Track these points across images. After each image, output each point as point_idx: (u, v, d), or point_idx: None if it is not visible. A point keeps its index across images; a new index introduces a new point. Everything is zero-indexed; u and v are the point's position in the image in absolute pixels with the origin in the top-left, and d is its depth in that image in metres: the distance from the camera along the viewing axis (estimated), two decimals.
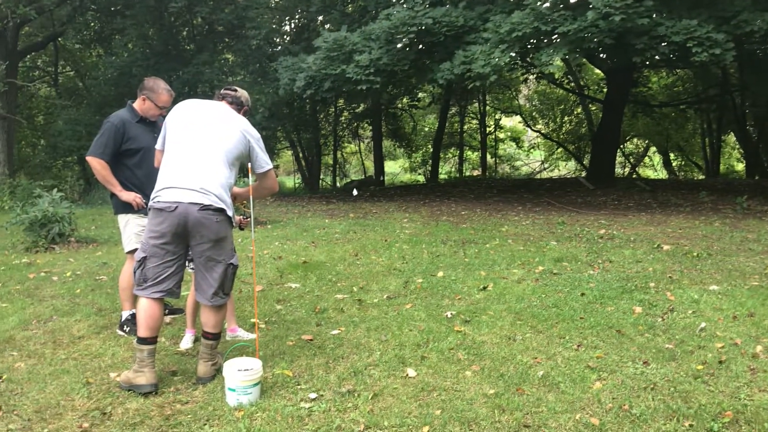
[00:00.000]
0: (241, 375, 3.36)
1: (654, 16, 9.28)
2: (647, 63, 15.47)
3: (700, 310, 4.86)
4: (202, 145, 3.56)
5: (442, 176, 25.84)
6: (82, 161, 19.51)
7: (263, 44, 17.58)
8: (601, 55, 11.99)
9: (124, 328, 4.62)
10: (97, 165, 4.50)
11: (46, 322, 4.95)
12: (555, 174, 28.36)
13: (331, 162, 26.96)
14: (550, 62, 9.55)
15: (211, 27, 19.49)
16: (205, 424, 3.16)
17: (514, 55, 10.45)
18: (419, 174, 28.47)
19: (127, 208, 4.61)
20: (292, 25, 21.35)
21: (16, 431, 3.13)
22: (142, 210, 4.52)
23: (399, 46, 11.39)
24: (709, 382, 3.53)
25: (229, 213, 3.61)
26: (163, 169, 3.59)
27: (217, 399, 3.44)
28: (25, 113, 20.32)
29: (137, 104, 4.66)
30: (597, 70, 21.79)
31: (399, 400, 3.38)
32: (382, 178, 23.09)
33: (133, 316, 4.63)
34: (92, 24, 19.82)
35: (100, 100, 18.58)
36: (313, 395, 3.44)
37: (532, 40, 10.44)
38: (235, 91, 3.92)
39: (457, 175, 26.90)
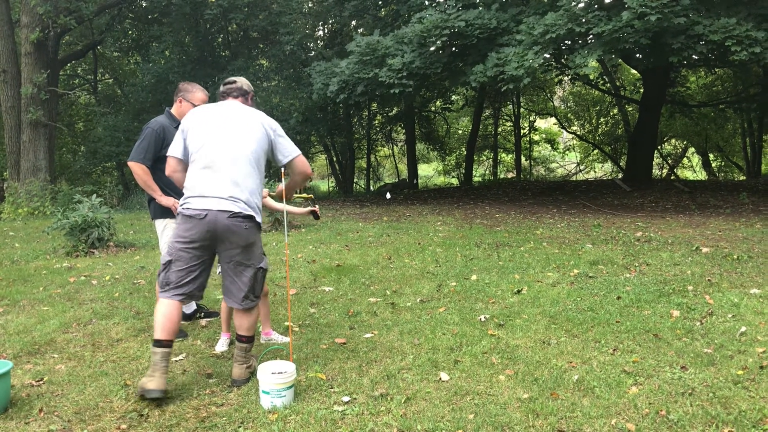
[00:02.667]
0: (275, 378, 3.38)
1: (691, 15, 9.11)
2: (684, 63, 15.22)
3: (740, 314, 4.75)
4: (228, 150, 3.57)
5: (476, 179, 25.73)
6: (121, 167, 19.94)
7: (297, 50, 17.74)
8: (637, 56, 11.79)
9: None
10: (139, 170, 4.58)
11: (86, 325, 5.05)
12: (591, 176, 28.03)
13: (364, 166, 27.04)
14: (585, 64, 9.44)
15: (245, 33, 19.74)
16: (240, 427, 3.19)
17: (548, 56, 10.38)
18: (453, 177, 28.39)
19: (165, 213, 4.69)
20: (325, 30, 21.49)
21: None
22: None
23: (432, 49, 11.38)
24: (750, 387, 3.45)
25: (258, 219, 3.64)
26: (191, 177, 3.60)
27: (251, 402, 3.47)
28: (66, 120, 20.78)
29: (174, 109, 4.74)
30: (633, 71, 21.50)
31: (432, 404, 3.37)
32: (415, 182, 23.07)
33: None
34: (130, 32, 20.22)
35: (138, 106, 18.94)
36: (346, 398, 3.45)
37: (566, 42, 10.34)
38: (234, 82, 3.89)
39: (491, 177, 26.75)
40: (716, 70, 19.99)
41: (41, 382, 3.84)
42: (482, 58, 10.97)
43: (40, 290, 6.23)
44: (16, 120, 16.14)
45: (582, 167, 29.69)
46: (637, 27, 8.80)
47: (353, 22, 19.20)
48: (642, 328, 4.49)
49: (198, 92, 4.72)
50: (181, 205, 3.57)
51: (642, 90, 19.05)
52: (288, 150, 3.79)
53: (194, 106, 4.67)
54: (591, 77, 18.97)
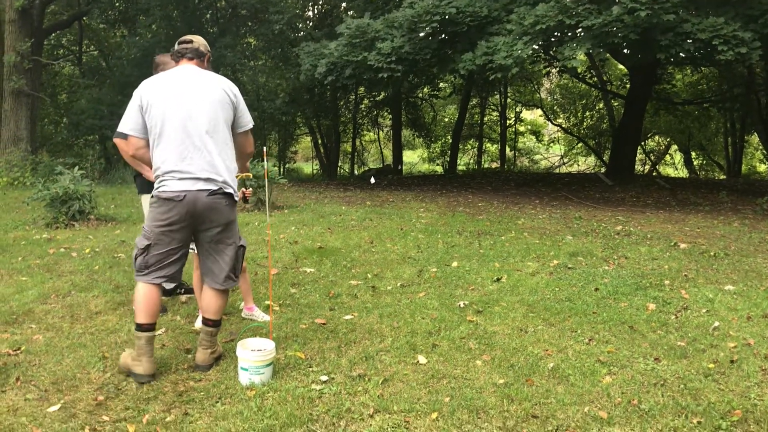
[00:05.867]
0: (254, 355, 3.40)
1: (680, 12, 9.16)
2: (672, 60, 15.31)
3: (714, 309, 4.84)
4: (194, 123, 3.38)
5: (460, 167, 25.79)
6: (104, 140, 19.70)
7: (286, 29, 17.60)
8: (625, 51, 11.86)
9: None
10: (123, 143, 4.52)
11: (65, 296, 5.03)
12: (574, 169, 28.20)
13: (349, 150, 26.99)
14: (573, 56, 9.48)
15: (234, 10, 19.55)
16: (218, 402, 3.21)
17: (537, 47, 10.40)
18: (437, 165, 28.42)
19: (150, 187, 4.65)
20: (315, 11, 21.34)
21: (33, 401, 3.19)
22: None
23: (422, 35, 11.35)
24: (720, 380, 3.53)
25: (236, 196, 3.54)
26: (160, 155, 3.40)
27: (229, 378, 3.49)
28: (49, 91, 20.49)
29: None
30: (620, 66, 21.59)
31: (409, 386, 3.41)
32: (400, 168, 23.09)
33: None
34: (117, 4, 19.93)
35: (123, 80, 18.69)
36: (324, 378, 3.48)
37: (555, 33, 10.36)
38: (191, 42, 3.61)
39: (476, 167, 26.82)
40: (702, 69, 20.13)
41: (18, 352, 3.83)
42: (472, 46, 10.96)
43: (19, 260, 6.19)
44: None
45: (565, 160, 29.85)
46: (626, 22, 8.84)
47: (344, 4, 19.10)
48: (618, 319, 4.56)
49: (203, 48, 4.64)
50: (157, 188, 3.42)
51: (628, 85, 19.18)
52: (246, 120, 3.63)
53: None
54: (579, 70, 19.01)
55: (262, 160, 4.02)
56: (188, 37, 3.69)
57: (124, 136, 4.43)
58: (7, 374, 3.49)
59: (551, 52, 12.50)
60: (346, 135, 25.99)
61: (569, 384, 3.46)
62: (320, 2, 20.56)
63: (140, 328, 3.45)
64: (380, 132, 29.14)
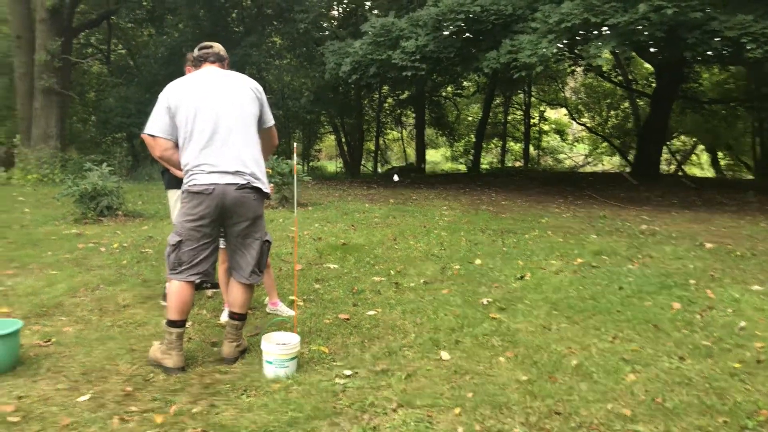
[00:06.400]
0: (279, 348, 3.45)
1: (707, 10, 9.04)
2: (699, 59, 15.12)
3: (740, 309, 4.79)
4: (225, 119, 3.46)
5: (483, 166, 25.71)
6: (131, 138, 19.97)
7: (311, 28, 17.68)
8: (651, 49, 11.74)
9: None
10: (152, 141, 4.58)
11: (94, 290, 5.13)
12: (598, 169, 27.96)
13: (372, 148, 27.04)
14: (599, 54, 9.42)
15: (259, 10, 19.68)
16: (243, 394, 3.26)
17: (561, 45, 10.33)
18: (461, 163, 28.35)
19: (178, 183, 4.71)
20: (340, 10, 21.40)
21: (63, 391, 3.27)
22: None
23: (446, 33, 11.35)
24: (746, 380, 3.49)
25: (265, 189, 3.59)
26: (191, 152, 3.46)
27: (255, 371, 3.53)
28: (78, 90, 20.79)
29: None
30: (646, 65, 21.35)
31: (432, 381, 3.43)
32: (423, 166, 23.08)
33: None
34: (145, 3, 20.17)
35: (151, 78, 18.93)
36: (347, 372, 3.51)
37: (580, 32, 10.30)
38: (211, 47, 3.74)
39: (499, 165, 26.72)
40: (730, 67, 19.84)
41: (49, 343, 3.91)
42: (496, 44, 10.93)
43: (49, 255, 6.31)
44: (29, 86, 16.18)
45: (590, 159, 29.62)
46: (653, 20, 8.76)
47: (368, 3, 19.14)
48: (642, 318, 4.53)
49: (223, 53, 4.71)
50: (187, 183, 3.47)
51: (654, 84, 18.97)
52: (269, 115, 3.77)
53: None
54: (604, 69, 18.88)
55: (287, 158, 4.07)
56: (207, 43, 3.82)
57: (153, 136, 4.49)
58: (39, 365, 3.57)
59: (576, 51, 12.42)
60: (370, 133, 26.04)
61: (593, 381, 3.45)
62: (345, 1, 20.61)
63: (172, 324, 3.52)
64: (403, 131, 29.14)
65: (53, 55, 15.57)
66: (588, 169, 28.19)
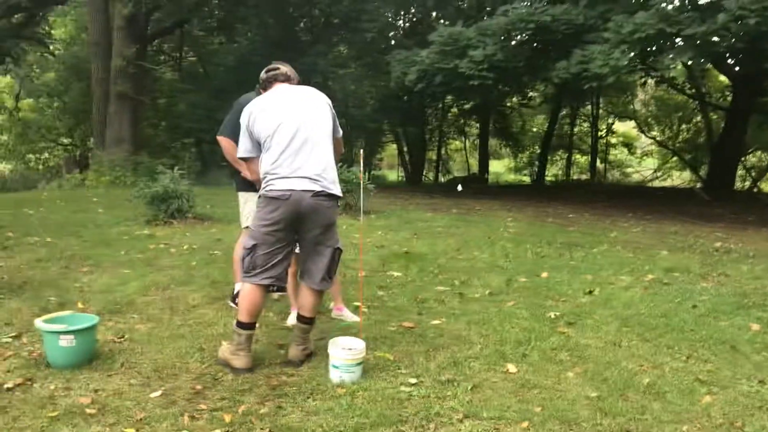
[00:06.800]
0: (345, 353, 3.45)
1: None
2: None
3: None
4: (305, 129, 3.55)
5: (548, 179, 25.33)
6: (200, 143, 20.46)
7: (378, 37, 17.80)
8: (729, 61, 11.35)
9: (236, 301, 4.83)
10: (227, 144, 4.66)
11: (164, 289, 5.26)
12: (667, 183, 27.16)
13: (434, 158, 26.98)
14: (673, 66, 9.16)
15: (327, 19, 19.93)
16: (309, 397, 3.28)
17: (633, 56, 10.08)
18: (524, 175, 28.00)
19: (248, 186, 4.78)
20: (406, 20, 21.49)
21: (136, 386, 3.35)
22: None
23: (514, 42, 11.24)
24: None
25: (339, 194, 3.64)
26: (270, 159, 3.54)
27: (320, 375, 3.54)
28: (150, 95, 21.45)
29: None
30: (722, 77, 20.65)
31: (498, 393, 3.38)
32: (486, 176, 22.90)
33: None
34: (216, 12, 20.68)
35: (219, 85, 19.38)
36: (413, 380, 3.49)
37: (654, 43, 10.03)
38: (278, 68, 3.85)
39: (564, 178, 26.27)
40: None
41: (122, 340, 4.03)
42: (565, 54, 10.77)
43: (122, 254, 6.51)
44: (104, 91, 16.79)
45: (659, 174, 28.80)
46: (733, 30, 8.46)
47: (434, 13, 19.14)
48: (718, 338, 4.36)
49: (291, 73, 4.77)
50: (264, 188, 3.55)
51: (730, 97, 18.33)
52: (339, 126, 3.85)
53: None
54: (677, 81, 18.33)
55: (351, 166, 4.10)
56: (274, 65, 3.92)
57: (229, 135, 4.58)
58: (113, 360, 3.67)
59: (649, 62, 12.12)
60: (432, 143, 26.00)
61: (666, 401, 3.34)
62: (412, 11, 20.66)
63: (242, 326, 3.59)
64: (467, 141, 28.98)
65: (128, 62, 16.12)
66: (657, 183, 27.42)
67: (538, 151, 26.13)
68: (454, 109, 24.34)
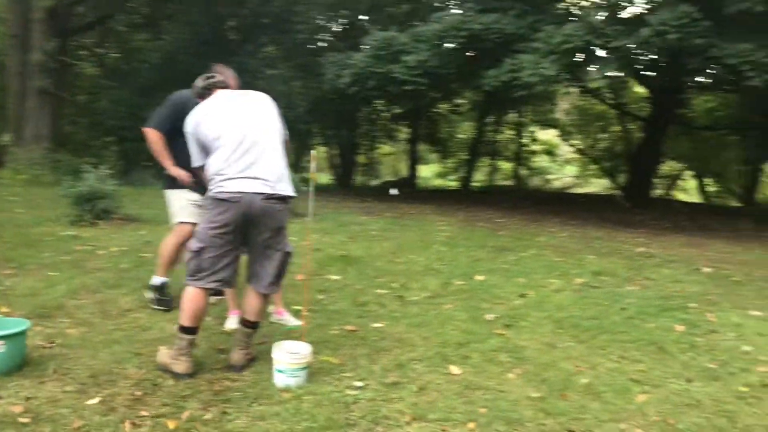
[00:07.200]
0: (290, 357, 3.42)
1: (709, 37, 9.15)
2: (693, 85, 15.29)
3: (742, 334, 4.81)
4: (254, 131, 3.52)
5: (475, 184, 25.77)
6: (122, 141, 19.83)
7: (309, 39, 17.70)
8: (649, 74, 11.84)
9: (151, 295, 4.77)
10: (153, 136, 4.53)
11: (95, 293, 5.07)
12: (586, 190, 28.11)
13: (363, 161, 27.00)
14: (599, 77, 9.51)
15: (257, 19, 19.66)
16: (254, 402, 3.23)
17: (561, 66, 10.39)
18: (451, 180, 28.40)
19: (175, 184, 4.67)
20: (339, 23, 21.45)
21: (71, 393, 3.22)
22: (188, 187, 4.59)
23: (448, 48, 11.38)
24: (754, 404, 3.52)
25: (292, 194, 3.59)
26: (219, 161, 3.47)
27: (264, 380, 3.49)
28: (70, 91, 20.63)
29: None
30: (639, 89, 21.49)
31: (443, 395, 3.41)
32: (415, 181, 23.11)
33: (163, 285, 4.77)
34: (142, 8, 20.10)
35: (144, 83, 18.84)
36: (358, 384, 3.48)
37: (582, 54, 10.38)
38: (214, 77, 3.86)
39: (488, 184, 26.78)
40: (722, 94, 20.03)
41: (53, 345, 3.86)
42: (497, 62, 11.01)
43: (47, 256, 6.23)
44: (22, 86, 16.05)
45: (578, 181, 29.77)
46: (656, 44, 8.86)
47: (365, 18, 19.17)
48: (647, 339, 4.54)
49: (231, 80, 4.70)
50: (213, 190, 3.47)
51: (648, 108, 19.14)
52: (284, 128, 3.81)
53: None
54: (600, 91, 18.96)
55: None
56: (210, 74, 3.90)
57: (156, 126, 4.48)
58: (45, 366, 3.51)
59: (574, 72, 12.50)
60: (362, 147, 26.02)
61: (604, 401, 3.45)
62: (344, 14, 20.59)
63: (185, 330, 3.51)
64: (396, 145, 29.15)
65: (49, 56, 15.46)
66: (576, 190, 28.34)
67: (464, 157, 26.56)
68: (386, 114, 24.45)
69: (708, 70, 9.45)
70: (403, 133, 26.67)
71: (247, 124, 3.53)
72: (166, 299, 4.76)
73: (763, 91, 10.95)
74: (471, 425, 3.08)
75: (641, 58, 9.31)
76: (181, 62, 17.32)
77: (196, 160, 3.71)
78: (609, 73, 9.77)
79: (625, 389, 3.62)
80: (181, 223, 4.70)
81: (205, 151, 3.60)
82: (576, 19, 9.82)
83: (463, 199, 15.91)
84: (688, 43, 8.93)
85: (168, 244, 4.78)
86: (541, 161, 30.54)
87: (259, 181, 3.45)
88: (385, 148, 29.66)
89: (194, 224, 4.59)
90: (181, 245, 4.73)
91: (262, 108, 3.66)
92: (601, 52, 10.30)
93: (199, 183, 4.51)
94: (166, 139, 4.58)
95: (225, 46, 18.65)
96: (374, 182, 26.47)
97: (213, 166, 3.51)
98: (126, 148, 19.67)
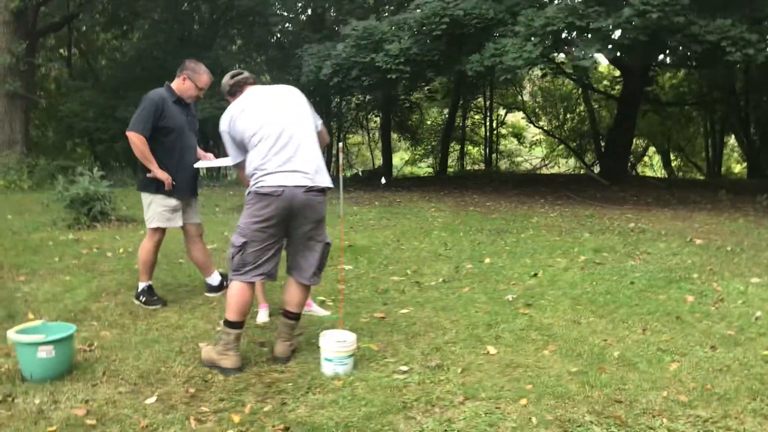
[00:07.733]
0: (338, 346, 3.48)
1: (688, 15, 9.34)
2: (662, 63, 15.61)
3: (749, 300, 4.99)
4: (292, 124, 3.56)
5: (448, 170, 25.94)
6: (93, 142, 19.53)
7: (283, 31, 17.59)
8: (624, 54, 12.02)
9: (140, 298, 4.77)
10: (137, 140, 4.51)
11: (115, 295, 5.06)
12: (555, 171, 28.50)
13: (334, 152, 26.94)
14: (584, 57, 9.66)
15: (227, 12, 19.47)
16: (308, 392, 3.28)
17: (544, 48, 10.51)
18: (422, 167, 28.53)
19: (151, 187, 4.65)
20: (309, 13, 21.31)
21: (127, 394, 3.24)
22: (166, 191, 4.61)
23: (431, 34, 11.39)
24: None
25: (330, 185, 3.63)
26: (258, 157, 3.50)
27: (312, 369, 3.55)
28: (38, 94, 20.23)
29: (176, 84, 4.71)
30: (602, 67, 21.71)
31: (488, 374, 3.51)
32: (390, 170, 23.18)
33: (150, 288, 4.78)
34: (108, 6, 19.74)
35: (115, 83, 18.55)
36: (403, 368, 3.56)
37: (564, 35, 10.53)
38: (242, 73, 3.93)
39: (459, 168, 26.96)
40: (685, 70, 20.46)
41: (93, 348, 3.86)
42: (479, 47, 11.11)
43: (56, 261, 6.18)
44: None
45: (547, 162, 30.16)
46: (637, 24, 9.04)
47: (333, 9, 19.06)
48: (663, 311, 4.70)
49: (204, 75, 4.71)
50: (255, 185, 3.50)
51: (618, 87, 19.45)
52: (318, 117, 3.86)
53: (198, 88, 4.70)
54: (573, 72, 19.15)
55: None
56: (236, 71, 3.97)
57: (140, 130, 4.47)
58: (93, 369, 3.52)
59: (554, 54, 12.63)
60: (336, 137, 26.00)
61: (640, 371, 3.58)
62: (318, 4, 20.42)
63: (231, 325, 3.54)
64: (367, 135, 29.19)
65: (18, 58, 15.14)
66: (545, 171, 28.69)
67: (434, 143, 26.72)
68: (356, 103, 24.42)
69: (683, 48, 9.66)
70: (373, 122, 26.72)
71: (283, 119, 3.56)
72: (155, 299, 4.79)
73: (728, 68, 11.25)
74: (522, 401, 3.18)
75: (623, 38, 9.46)
76: (154, 59, 17.11)
77: (233, 158, 3.74)
78: (594, 53, 9.89)
79: (657, 359, 3.76)
80: (157, 228, 4.72)
81: (242, 148, 3.63)
82: (556, 1, 9.92)
83: (444, 184, 16.02)
84: (669, 22, 9.12)
85: (144, 248, 4.81)
86: (509, 144, 30.84)
87: (299, 173, 3.49)
88: (355, 138, 29.68)
89: (164, 230, 4.75)
90: (157, 248, 4.81)
91: (294, 101, 3.70)
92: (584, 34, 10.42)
93: (177, 187, 4.57)
94: (149, 141, 4.57)
95: (198, 41, 18.45)
96: (349, 173, 26.47)
97: (252, 162, 3.54)
98: (98, 150, 19.41)
